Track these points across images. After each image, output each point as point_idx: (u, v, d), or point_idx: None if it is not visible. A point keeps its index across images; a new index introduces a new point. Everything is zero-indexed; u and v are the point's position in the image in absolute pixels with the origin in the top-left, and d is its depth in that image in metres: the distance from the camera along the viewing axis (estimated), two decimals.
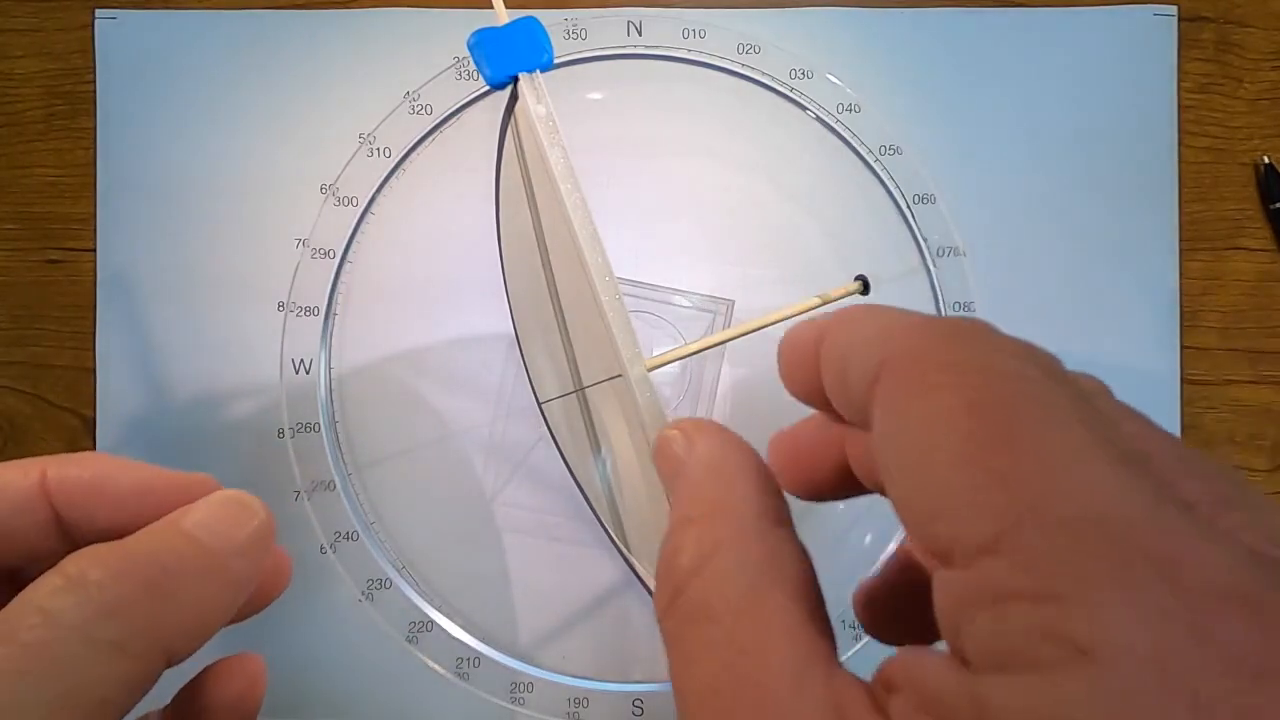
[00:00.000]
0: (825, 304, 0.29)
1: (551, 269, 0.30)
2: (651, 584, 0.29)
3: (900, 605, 0.19)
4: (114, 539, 0.21)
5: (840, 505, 0.35)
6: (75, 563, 0.18)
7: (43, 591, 0.18)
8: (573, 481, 0.33)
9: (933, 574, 0.12)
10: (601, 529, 0.32)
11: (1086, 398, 0.13)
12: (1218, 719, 0.09)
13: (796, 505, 0.17)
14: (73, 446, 0.36)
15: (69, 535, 0.22)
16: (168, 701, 0.23)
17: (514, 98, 0.27)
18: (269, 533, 0.21)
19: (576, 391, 0.31)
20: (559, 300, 0.30)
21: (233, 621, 0.24)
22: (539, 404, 0.32)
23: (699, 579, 0.15)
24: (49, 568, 0.19)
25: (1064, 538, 0.11)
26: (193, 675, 0.23)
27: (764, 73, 0.35)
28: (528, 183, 0.29)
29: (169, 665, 0.19)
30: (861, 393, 0.14)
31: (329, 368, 0.35)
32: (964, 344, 0.13)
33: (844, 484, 0.18)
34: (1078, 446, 0.11)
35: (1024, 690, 0.10)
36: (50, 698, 0.17)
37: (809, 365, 0.16)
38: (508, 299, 0.33)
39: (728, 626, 0.14)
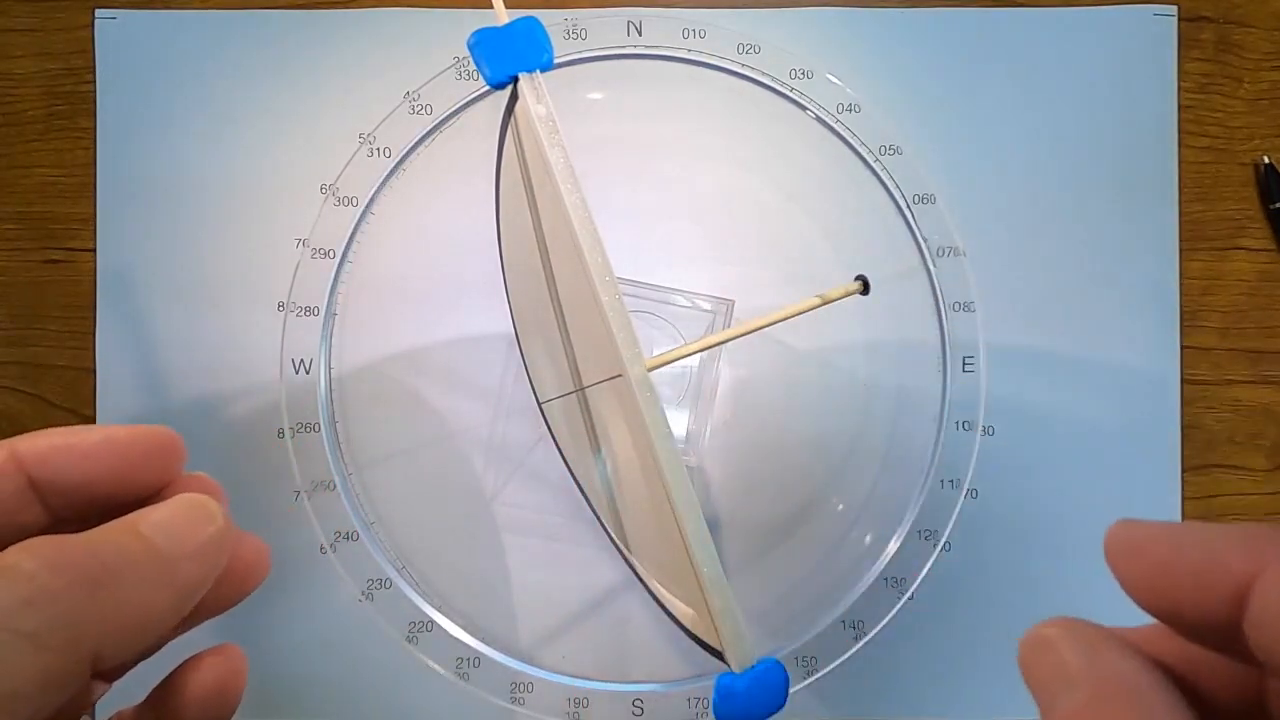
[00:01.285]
0: (825, 303, 0.29)
1: (551, 269, 0.30)
2: (652, 584, 0.29)
3: None
4: (92, 501, 0.22)
5: (840, 505, 0.35)
6: (13, 553, 0.18)
7: None
8: (573, 481, 0.33)
9: None
10: (601, 529, 0.32)
11: None
12: None
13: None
14: None
15: (47, 504, 0.22)
16: (140, 699, 0.23)
17: (514, 98, 0.27)
18: (224, 539, 0.21)
19: (576, 391, 0.31)
20: (559, 300, 0.30)
21: (210, 615, 0.24)
22: (539, 404, 0.32)
23: None
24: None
25: None
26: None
27: (764, 73, 0.35)
28: (528, 183, 0.29)
29: (100, 667, 0.18)
30: None
31: (329, 368, 0.35)
32: None
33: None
34: None
35: None
36: None
37: (1217, 599, 0.13)
38: (508, 299, 0.33)
39: None
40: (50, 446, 0.22)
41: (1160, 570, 0.14)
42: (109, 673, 0.24)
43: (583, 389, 0.30)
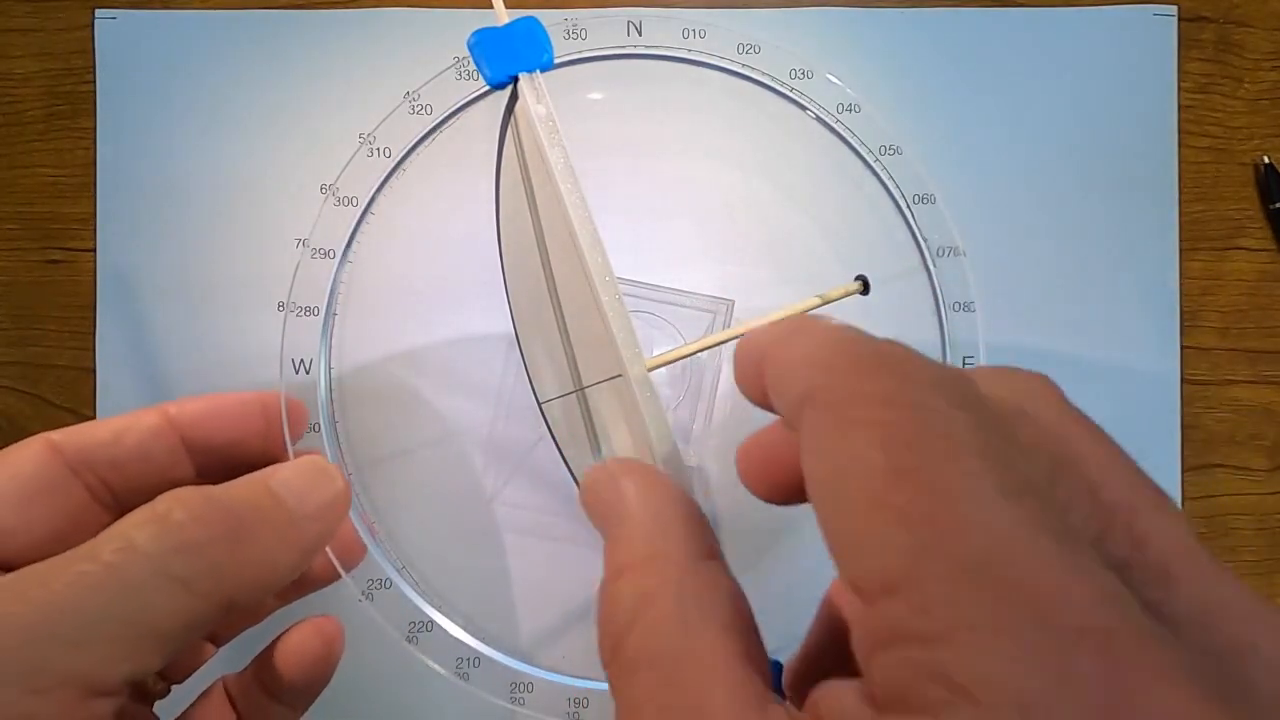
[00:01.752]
0: (825, 303, 0.29)
1: (551, 269, 0.30)
2: None
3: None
4: (229, 460, 0.25)
5: None
6: (164, 501, 0.20)
7: (130, 522, 0.20)
8: (573, 481, 0.33)
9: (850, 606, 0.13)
10: None
11: (997, 424, 0.13)
12: None
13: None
14: None
15: (195, 460, 0.25)
16: (242, 668, 0.25)
17: (514, 98, 0.27)
18: (344, 502, 0.24)
19: (576, 391, 0.31)
20: (559, 300, 0.30)
21: (314, 588, 0.27)
22: (539, 404, 0.32)
23: (638, 627, 0.15)
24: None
25: (954, 580, 0.11)
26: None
27: (764, 73, 0.35)
28: (528, 183, 0.29)
29: (229, 613, 0.20)
30: (792, 416, 0.15)
31: (329, 368, 0.35)
32: (883, 376, 0.14)
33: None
34: (972, 482, 0.12)
35: None
36: (116, 616, 0.18)
37: (758, 377, 0.17)
38: (508, 299, 0.33)
39: (666, 672, 0.15)
40: (199, 409, 0.25)
41: (743, 372, 0.17)
42: (218, 636, 0.26)
43: (583, 389, 0.30)
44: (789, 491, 0.18)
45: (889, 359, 0.14)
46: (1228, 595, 0.12)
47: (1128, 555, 0.13)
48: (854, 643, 0.13)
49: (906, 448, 0.12)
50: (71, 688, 0.18)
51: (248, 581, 0.20)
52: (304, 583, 0.27)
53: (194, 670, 0.26)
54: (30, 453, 0.23)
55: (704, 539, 0.17)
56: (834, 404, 0.14)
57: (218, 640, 0.26)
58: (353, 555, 0.28)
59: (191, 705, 0.25)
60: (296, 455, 0.26)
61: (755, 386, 0.17)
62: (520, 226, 0.30)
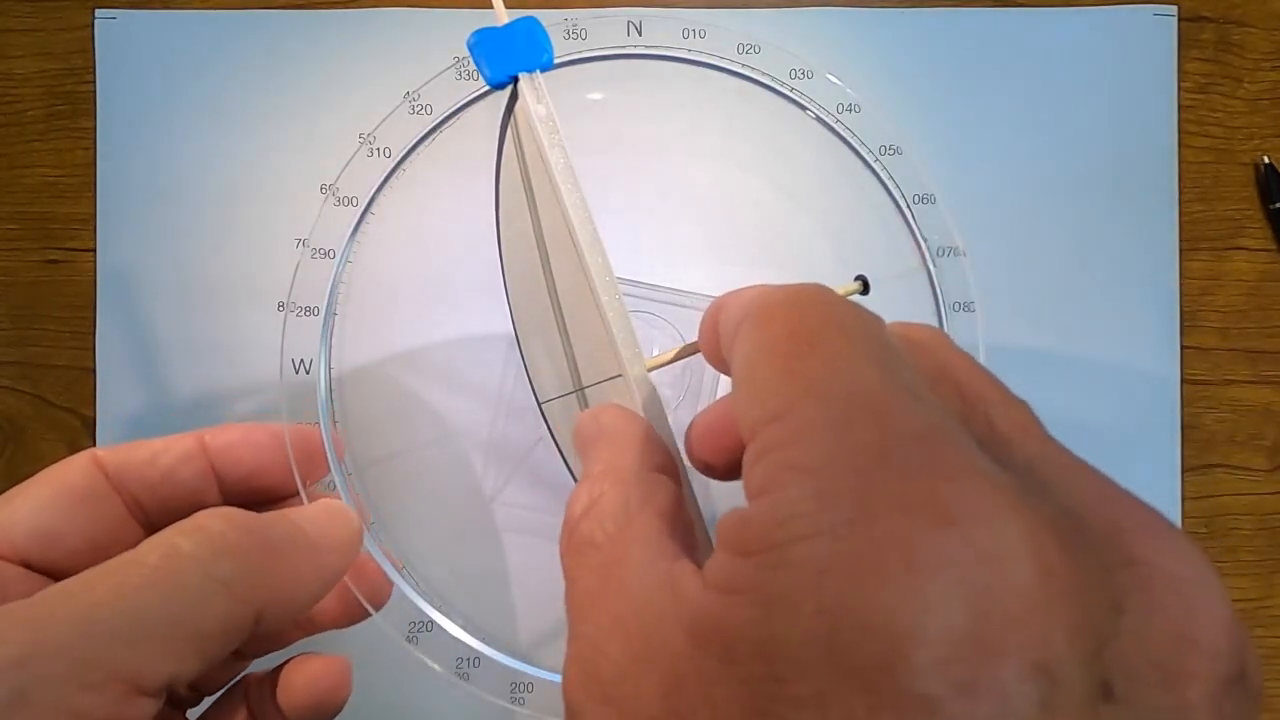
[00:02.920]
0: None
1: (551, 269, 0.30)
2: None
3: None
4: (255, 491, 0.27)
5: None
6: (203, 515, 0.21)
7: (173, 530, 0.21)
8: (572, 481, 0.33)
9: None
10: None
11: (888, 335, 0.16)
12: (879, 512, 0.13)
13: None
14: (73, 447, 0.36)
15: (223, 488, 0.26)
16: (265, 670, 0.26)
17: (514, 98, 0.27)
18: (358, 539, 0.25)
19: (576, 391, 0.31)
20: (559, 300, 0.30)
21: (333, 626, 0.28)
22: (539, 404, 0.32)
23: (586, 519, 0.18)
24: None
25: (819, 406, 0.14)
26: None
27: (764, 73, 0.35)
28: (528, 183, 0.29)
29: (259, 624, 0.21)
30: (731, 347, 0.18)
31: (329, 368, 0.35)
32: (800, 296, 0.17)
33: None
34: (851, 352, 0.15)
35: (768, 503, 0.14)
36: (163, 615, 0.19)
37: (714, 335, 0.19)
38: (508, 299, 0.33)
39: (605, 549, 0.17)
40: (232, 438, 0.26)
41: (705, 338, 0.20)
42: (245, 652, 0.27)
43: (582, 389, 0.31)
44: (729, 464, 0.21)
45: (810, 290, 0.17)
46: (1051, 453, 0.15)
47: (982, 433, 0.15)
48: (743, 480, 0.15)
49: (807, 334, 0.16)
50: (121, 683, 0.18)
51: (280, 595, 0.21)
52: (322, 622, 0.28)
53: (227, 683, 0.27)
54: (78, 465, 0.25)
55: (657, 457, 0.20)
56: (759, 314, 0.17)
57: (244, 656, 0.27)
58: (380, 595, 0.29)
59: (213, 703, 0.26)
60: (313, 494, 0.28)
61: (713, 345, 0.20)
62: (520, 227, 0.30)
